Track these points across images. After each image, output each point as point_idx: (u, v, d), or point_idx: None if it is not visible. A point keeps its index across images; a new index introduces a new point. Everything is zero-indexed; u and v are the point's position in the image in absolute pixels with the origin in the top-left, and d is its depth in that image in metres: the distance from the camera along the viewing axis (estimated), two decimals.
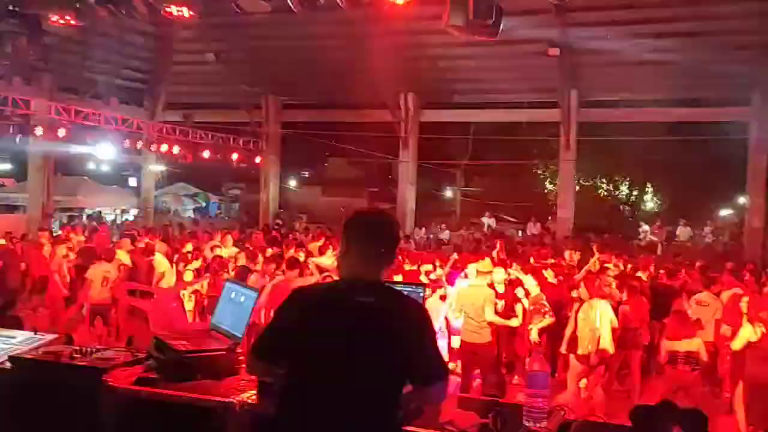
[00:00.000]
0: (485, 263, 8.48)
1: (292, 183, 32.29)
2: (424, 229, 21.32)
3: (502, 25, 5.08)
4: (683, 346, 7.27)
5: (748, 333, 6.85)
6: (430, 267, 10.56)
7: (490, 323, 7.69)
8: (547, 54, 15.93)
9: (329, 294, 2.50)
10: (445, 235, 21.01)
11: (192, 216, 27.93)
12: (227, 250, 11.59)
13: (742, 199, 21.06)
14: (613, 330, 7.42)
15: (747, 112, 16.99)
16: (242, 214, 28.19)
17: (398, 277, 8.10)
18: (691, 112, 18.35)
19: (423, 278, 9.57)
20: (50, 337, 3.71)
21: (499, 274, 8.56)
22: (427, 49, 17.66)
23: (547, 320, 8.43)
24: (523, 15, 14.89)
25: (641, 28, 15.58)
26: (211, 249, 11.63)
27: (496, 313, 7.81)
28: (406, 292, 2.84)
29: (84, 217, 23.84)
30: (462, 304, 7.97)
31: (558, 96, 18.03)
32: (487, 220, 23.12)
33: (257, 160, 21.07)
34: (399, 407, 2.35)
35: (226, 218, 28.89)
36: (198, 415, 2.95)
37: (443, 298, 8.49)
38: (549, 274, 9.85)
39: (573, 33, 16.12)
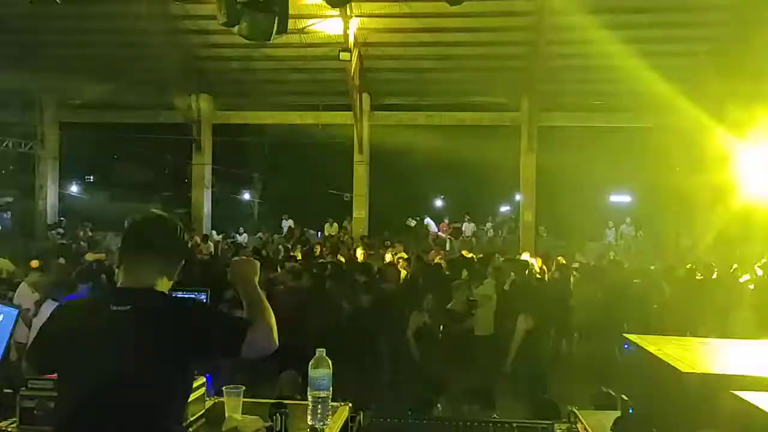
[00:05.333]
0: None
1: (74, 189, 29.81)
2: (214, 232, 20.66)
3: (286, 27, 5.06)
4: None
5: None
6: None
7: None
8: (338, 58, 16.26)
9: (88, 305, 2.44)
10: (242, 238, 20.64)
11: None
12: None
13: (518, 196, 23.07)
14: None
15: (518, 116, 18.66)
16: (13, 225, 25.44)
17: None
18: (472, 116, 19.74)
19: None
20: None
21: None
22: (219, 49, 17.25)
23: None
24: (314, 19, 15.13)
25: (427, 35, 16.53)
26: None
27: None
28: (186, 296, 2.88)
29: None
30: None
31: (351, 99, 18.51)
32: (286, 223, 23.10)
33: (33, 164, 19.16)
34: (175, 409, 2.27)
35: None
36: None
37: None
38: None
39: (363, 38, 16.67)
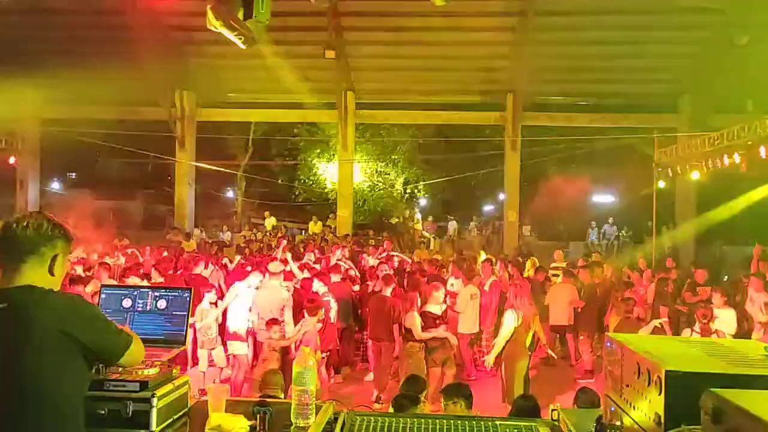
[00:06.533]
0: (276, 264, 8.77)
1: (56, 186, 29.53)
2: (199, 229, 20.58)
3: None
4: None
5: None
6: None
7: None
8: (323, 56, 16.21)
9: None
10: (226, 236, 20.55)
11: None
12: None
13: (501, 196, 23.16)
14: None
15: (503, 116, 18.70)
16: None
17: None
18: (456, 115, 19.76)
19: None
20: None
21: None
22: (203, 47, 17.13)
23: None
24: (299, 17, 15.07)
25: (412, 34, 16.52)
26: None
27: None
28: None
29: None
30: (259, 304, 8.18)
31: (335, 97, 18.47)
32: (269, 220, 23.05)
33: (11, 160, 18.87)
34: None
35: None
36: None
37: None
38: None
39: (348, 37, 16.64)
